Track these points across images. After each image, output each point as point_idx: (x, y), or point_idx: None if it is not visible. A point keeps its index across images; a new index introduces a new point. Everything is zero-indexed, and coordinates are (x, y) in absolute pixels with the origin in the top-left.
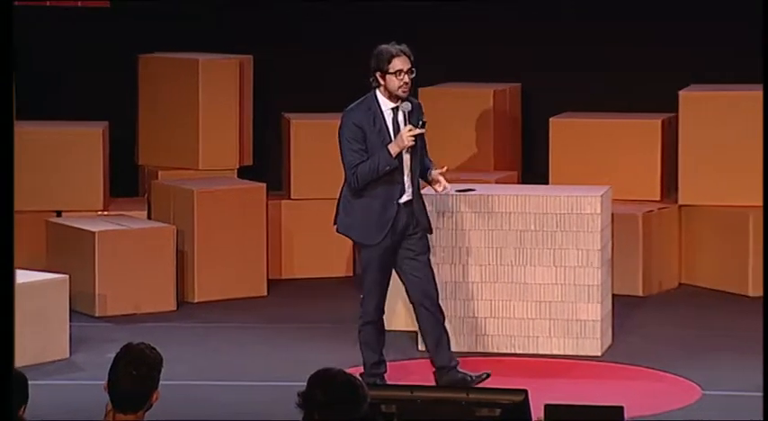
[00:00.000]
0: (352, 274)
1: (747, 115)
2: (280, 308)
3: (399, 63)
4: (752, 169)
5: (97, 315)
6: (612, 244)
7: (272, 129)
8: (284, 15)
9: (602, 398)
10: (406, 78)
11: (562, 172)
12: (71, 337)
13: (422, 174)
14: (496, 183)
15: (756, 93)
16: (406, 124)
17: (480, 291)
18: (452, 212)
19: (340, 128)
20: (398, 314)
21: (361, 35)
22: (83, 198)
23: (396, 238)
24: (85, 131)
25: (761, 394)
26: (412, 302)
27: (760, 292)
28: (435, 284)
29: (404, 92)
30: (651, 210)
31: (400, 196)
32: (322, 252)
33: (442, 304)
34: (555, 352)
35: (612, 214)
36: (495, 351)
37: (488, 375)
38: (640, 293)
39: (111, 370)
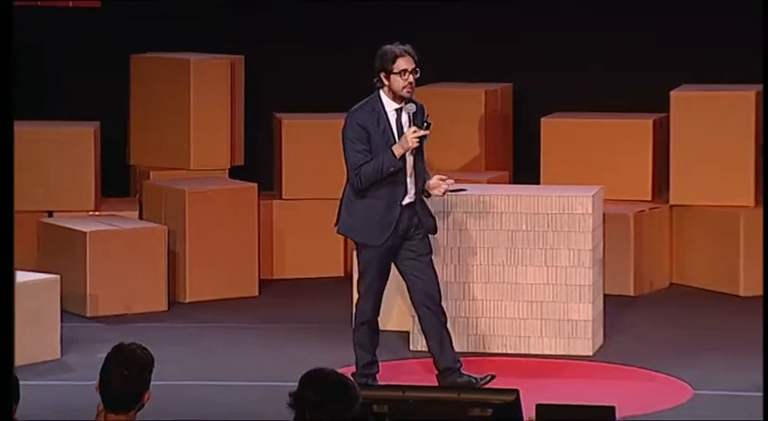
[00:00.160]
0: (343, 274)
1: (739, 115)
2: (271, 308)
3: (404, 63)
4: (743, 169)
5: (88, 315)
6: (604, 244)
7: (264, 129)
8: (275, 15)
9: (593, 397)
10: (411, 78)
11: (554, 172)
12: (62, 338)
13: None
14: (488, 183)
15: (748, 93)
16: (410, 125)
17: (472, 291)
18: (444, 212)
19: (344, 128)
20: (391, 314)
21: (353, 35)
22: (74, 198)
23: (397, 240)
24: (77, 131)
25: (752, 393)
26: (414, 303)
27: (751, 292)
28: (438, 285)
29: (408, 92)
30: (642, 210)
31: (403, 197)
32: (313, 252)
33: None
34: (546, 352)
35: (604, 214)
36: (487, 351)
37: (493, 377)
38: (632, 293)
39: (102, 370)
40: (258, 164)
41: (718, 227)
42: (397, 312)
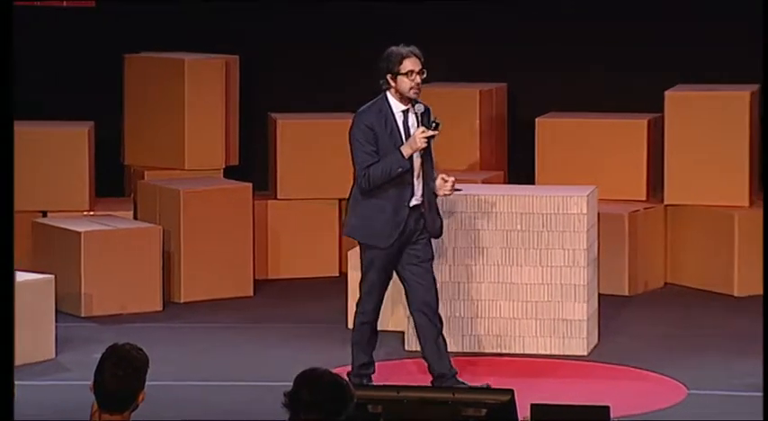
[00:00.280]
0: (338, 275)
1: (733, 115)
2: (266, 308)
3: (410, 64)
4: (738, 169)
5: (83, 315)
6: (599, 243)
7: (259, 129)
8: (270, 15)
9: (588, 397)
10: (418, 79)
11: (548, 172)
12: (57, 338)
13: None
14: (483, 183)
15: (742, 93)
16: (418, 126)
17: (467, 291)
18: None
19: (351, 129)
20: (386, 314)
21: (348, 35)
22: (69, 198)
23: (402, 242)
24: (71, 131)
25: (746, 393)
26: (410, 308)
27: (745, 292)
28: (436, 292)
29: (415, 93)
30: (637, 210)
31: (410, 199)
32: (308, 252)
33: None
34: (541, 351)
35: (599, 214)
36: (482, 351)
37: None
38: (626, 293)
39: (97, 370)
40: (253, 164)
41: (712, 227)
42: (392, 313)
